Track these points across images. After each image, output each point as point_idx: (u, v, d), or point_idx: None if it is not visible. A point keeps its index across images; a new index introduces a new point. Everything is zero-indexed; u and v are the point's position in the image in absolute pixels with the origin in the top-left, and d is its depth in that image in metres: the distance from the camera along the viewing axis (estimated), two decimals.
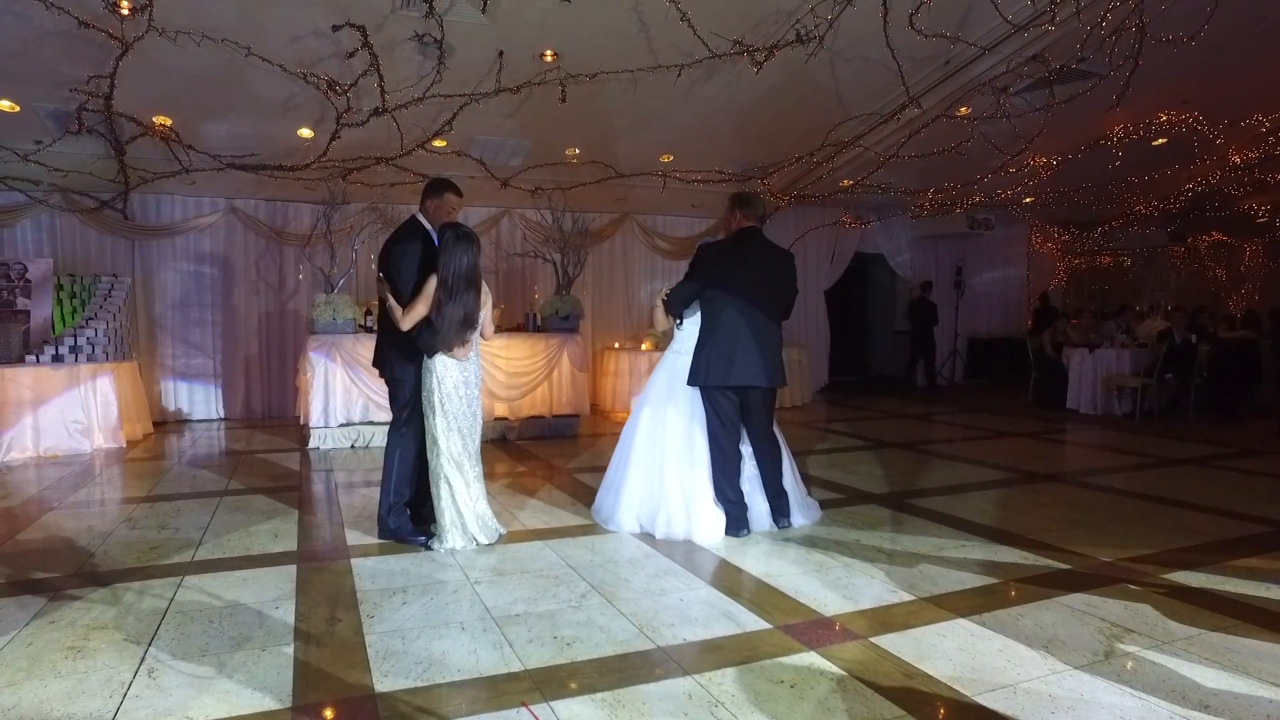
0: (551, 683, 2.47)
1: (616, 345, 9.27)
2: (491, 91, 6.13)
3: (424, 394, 3.81)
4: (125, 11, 4.84)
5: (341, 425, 6.75)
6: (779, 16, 5.51)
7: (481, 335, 3.88)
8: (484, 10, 4.99)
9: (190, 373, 8.42)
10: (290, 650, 2.72)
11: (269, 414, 8.65)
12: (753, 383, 3.99)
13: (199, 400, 8.48)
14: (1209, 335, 8.98)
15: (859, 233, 11.40)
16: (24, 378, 6.17)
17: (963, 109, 7.21)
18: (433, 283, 3.67)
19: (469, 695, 2.40)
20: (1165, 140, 8.22)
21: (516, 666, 2.59)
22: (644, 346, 8.55)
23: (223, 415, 8.57)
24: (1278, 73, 6.91)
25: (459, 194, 4.02)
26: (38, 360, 6.32)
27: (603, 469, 5.89)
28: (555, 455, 6.51)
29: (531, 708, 2.31)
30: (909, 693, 2.39)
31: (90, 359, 6.59)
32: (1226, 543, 3.99)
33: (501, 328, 7.49)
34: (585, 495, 5.05)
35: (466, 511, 3.83)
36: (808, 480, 4.96)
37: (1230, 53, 6.50)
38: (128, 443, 6.83)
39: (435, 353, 3.73)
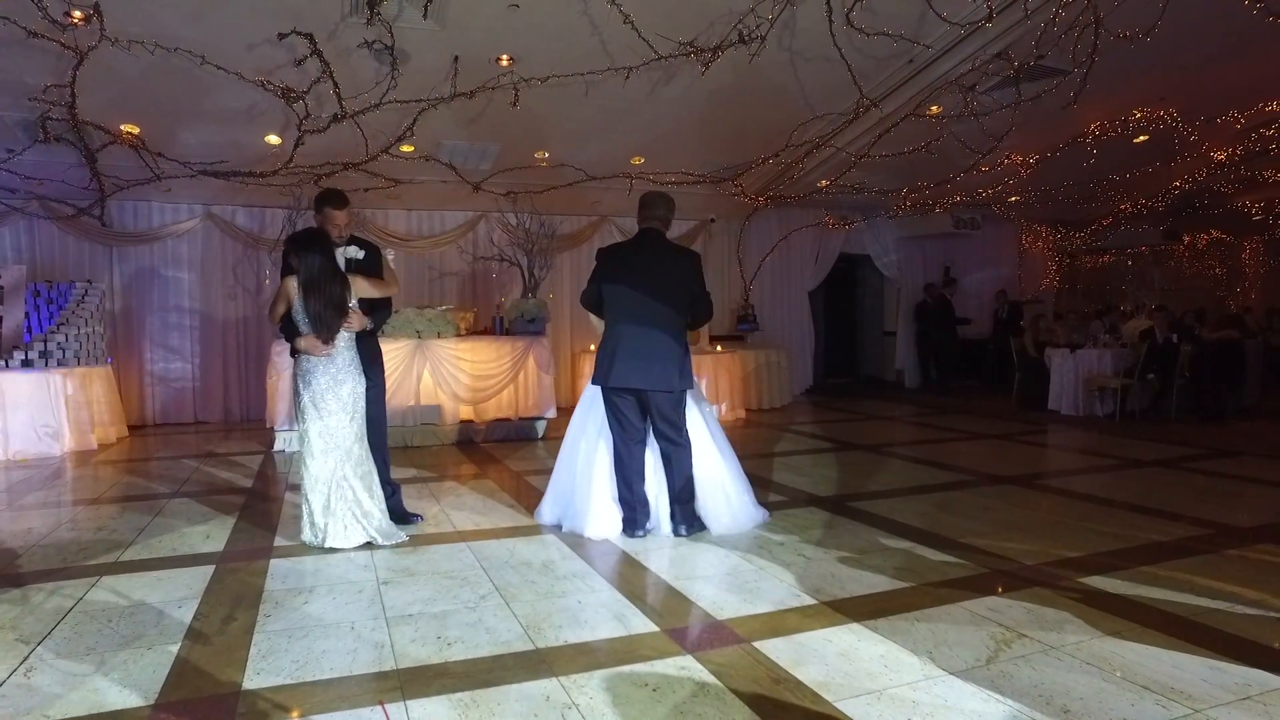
0: (416, 682, 2.48)
1: (592, 348, 9.25)
2: (446, 97, 6.17)
3: (294, 394, 3.92)
4: (76, 20, 4.93)
5: None
6: (732, 17, 5.49)
7: (350, 324, 3.91)
8: (425, 16, 5.03)
9: (169, 377, 8.54)
10: (175, 649, 2.75)
11: (246, 417, 8.74)
12: (633, 385, 3.97)
13: (177, 404, 8.60)
14: (1192, 335, 8.83)
15: (843, 234, 11.33)
16: None
17: (934, 108, 7.16)
18: (287, 283, 3.83)
19: (332, 693, 2.42)
20: (1146, 138, 8.12)
21: (389, 666, 2.60)
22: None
23: (201, 419, 8.68)
24: (1248, 70, 6.81)
25: (337, 206, 4.06)
26: (6, 365, 6.44)
27: None
28: (513, 457, 6.54)
29: (386, 706, 2.32)
30: (768, 699, 2.38)
31: (61, 364, 6.71)
32: (1158, 546, 3.92)
33: (468, 331, 7.53)
34: (528, 497, 5.06)
35: (316, 509, 3.88)
36: (758, 483, 4.90)
37: (1200, 49, 6.42)
38: (99, 446, 6.94)
39: (295, 351, 3.86)
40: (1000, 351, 11.06)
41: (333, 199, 4.06)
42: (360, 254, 4.08)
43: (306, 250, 3.79)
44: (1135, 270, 13.07)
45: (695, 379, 4.28)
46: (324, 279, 3.79)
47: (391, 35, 5.35)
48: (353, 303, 3.90)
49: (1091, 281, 13.45)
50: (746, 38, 5.31)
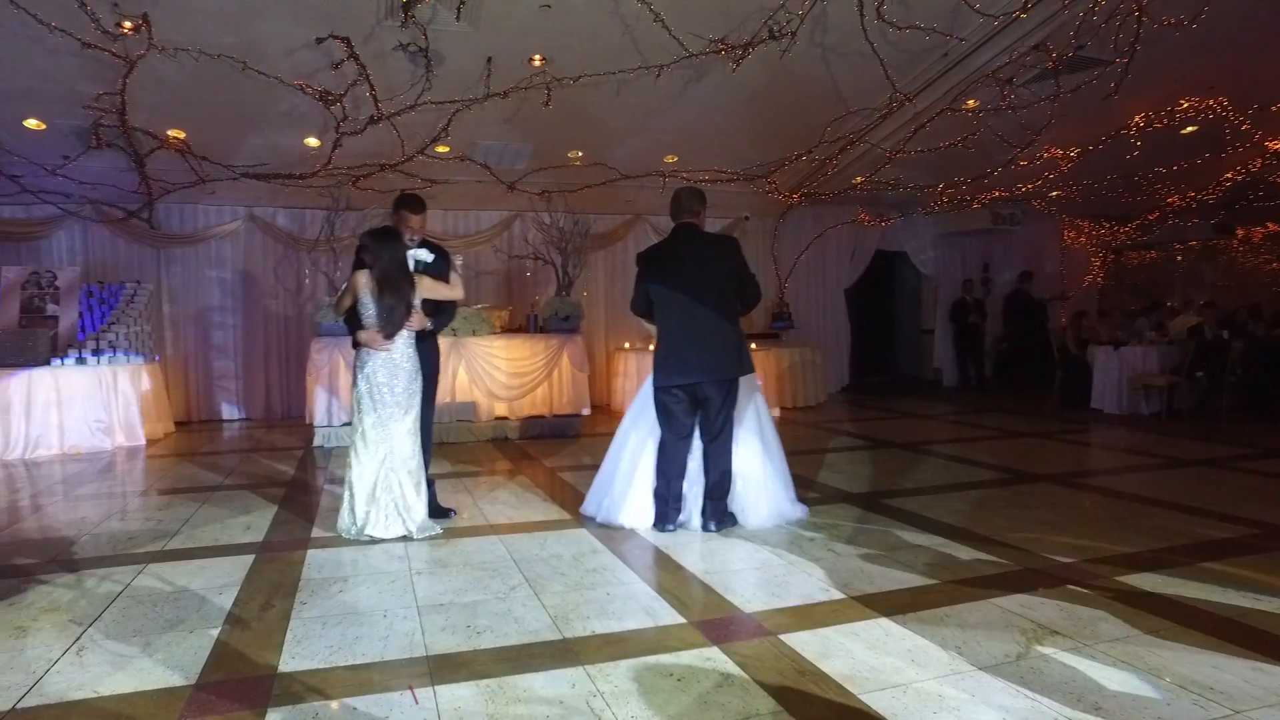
0: (445, 669, 2.53)
1: (627, 346, 9.31)
2: (481, 97, 6.26)
3: (351, 385, 4.03)
4: (126, 31, 5.12)
5: (344, 424, 6.97)
6: (762, 14, 5.49)
7: (412, 323, 4.00)
8: (458, 18, 5.11)
9: (213, 374, 8.82)
10: (216, 633, 2.85)
11: (288, 413, 8.96)
12: (697, 379, 4.00)
13: (221, 400, 8.87)
14: (1245, 331, 8.53)
15: (879, 231, 11.20)
16: (50, 379, 6.56)
17: (971, 101, 7.04)
18: (357, 277, 3.91)
19: (363, 677, 2.48)
20: (1195, 128, 7.87)
21: (420, 653, 2.66)
22: (652, 347, 8.56)
23: (244, 415, 8.93)
24: None
25: (414, 210, 4.19)
26: (62, 362, 6.70)
27: (590, 467, 6.00)
28: (548, 454, 6.60)
29: (415, 691, 2.38)
30: (793, 691, 2.37)
31: (112, 361, 6.96)
32: (1202, 545, 3.81)
33: (503, 329, 7.63)
34: (560, 492, 5.12)
35: (360, 498, 3.95)
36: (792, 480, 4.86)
37: (1250, 34, 6.20)
38: (148, 441, 7.18)
39: (356, 344, 3.97)
40: (1028, 350, 10.88)
41: (411, 203, 4.19)
42: (430, 257, 4.21)
43: (383, 246, 3.90)
44: (1185, 266, 12.66)
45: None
46: (397, 276, 3.90)
47: (426, 38, 5.45)
48: (417, 303, 3.99)
49: (1139, 278, 13.06)
50: (777, 34, 5.29)
